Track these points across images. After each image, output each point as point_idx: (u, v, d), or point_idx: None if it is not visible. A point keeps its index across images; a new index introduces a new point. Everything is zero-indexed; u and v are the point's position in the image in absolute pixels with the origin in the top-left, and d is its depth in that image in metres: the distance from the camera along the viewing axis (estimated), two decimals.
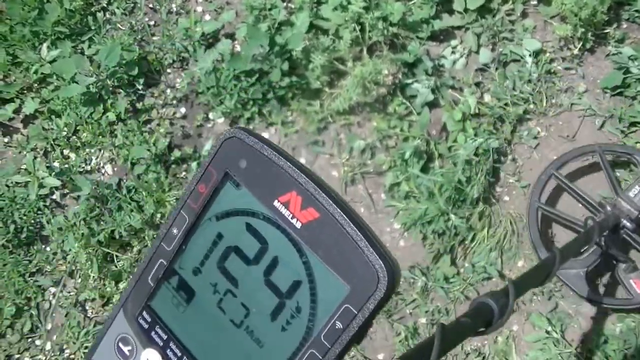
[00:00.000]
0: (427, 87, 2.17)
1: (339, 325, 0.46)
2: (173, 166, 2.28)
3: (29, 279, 2.30)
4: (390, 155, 2.17)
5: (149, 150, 2.24)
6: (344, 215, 0.45)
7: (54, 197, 2.36)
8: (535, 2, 2.31)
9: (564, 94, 2.23)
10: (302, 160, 2.20)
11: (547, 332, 2.03)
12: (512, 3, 2.28)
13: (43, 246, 2.34)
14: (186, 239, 0.52)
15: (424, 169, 2.13)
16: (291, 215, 0.47)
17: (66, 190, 2.35)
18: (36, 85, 2.45)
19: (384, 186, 2.18)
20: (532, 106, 2.20)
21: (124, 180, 2.32)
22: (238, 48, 2.37)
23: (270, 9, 2.30)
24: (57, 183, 2.31)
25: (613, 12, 2.27)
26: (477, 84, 2.23)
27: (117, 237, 2.21)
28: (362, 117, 2.22)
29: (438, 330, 0.76)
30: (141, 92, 2.39)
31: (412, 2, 2.28)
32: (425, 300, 2.10)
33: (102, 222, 2.25)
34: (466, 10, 2.25)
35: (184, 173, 2.28)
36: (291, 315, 0.48)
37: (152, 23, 2.51)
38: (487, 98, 2.21)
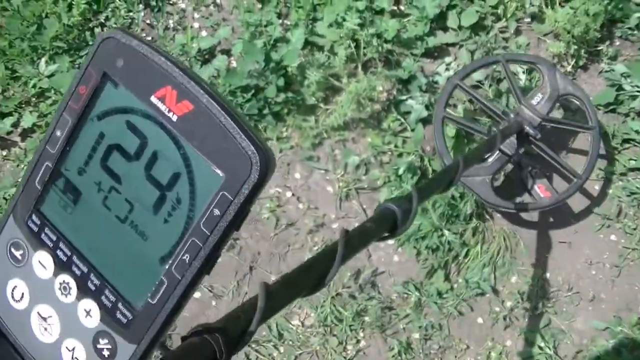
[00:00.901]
0: (421, 103, 2.31)
1: (216, 212, 0.49)
2: None
3: None
4: (384, 171, 2.30)
5: None
6: (217, 106, 0.49)
7: None
8: (528, 20, 2.46)
9: (557, 110, 2.36)
10: (297, 176, 2.33)
11: (540, 347, 2.15)
12: (506, 20, 2.43)
13: None
14: (70, 141, 0.55)
15: (418, 185, 2.26)
16: (167, 109, 0.50)
17: None
18: (34, 99, 2.58)
19: (379, 202, 2.31)
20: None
21: None
22: (234, 64, 2.51)
23: (266, 26, 2.45)
24: None
25: (606, 29, 2.41)
26: (471, 101, 2.36)
27: None
28: (356, 133, 2.36)
29: (341, 236, 0.81)
30: None
31: (407, 19, 2.42)
32: (419, 315, 2.21)
33: None
34: (460, 27, 2.40)
35: None
36: (172, 207, 0.51)
37: (149, 39, 2.65)
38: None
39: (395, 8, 2.44)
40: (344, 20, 2.32)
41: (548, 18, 2.37)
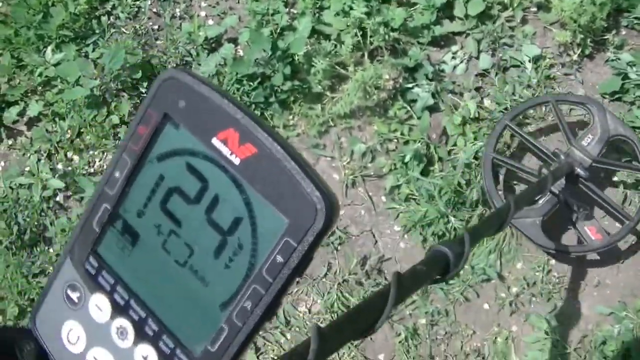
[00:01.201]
0: (428, 91, 2.37)
1: (279, 259, 0.48)
2: None
3: (32, 280, 2.48)
4: (390, 159, 2.36)
5: None
6: (281, 150, 0.48)
7: (57, 199, 2.53)
8: (535, 9, 2.52)
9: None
10: None
11: (546, 332, 2.21)
12: (512, 9, 2.49)
13: (46, 247, 2.52)
14: (129, 182, 0.55)
15: (424, 172, 2.32)
16: (230, 152, 0.50)
17: (70, 193, 2.53)
18: (40, 88, 2.64)
19: (384, 189, 2.37)
20: (531, 111, 2.39)
21: None
22: (241, 52, 2.57)
23: (272, 14, 2.51)
24: (61, 185, 2.49)
25: (612, 18, 2.47)
26: (477, 89, 2.43)
27: None
28: (362, 121, 2.42)
29: (394, 279, 0.81)
30: (144, 94, 2.59)
31: (414, 7, 2.49)
32: (425, 301, 2.27)
33: None
34: (467, 16, 2.46)
35: None
36: (233, 252, 0.51)
37: (155, 27, 2.71)
38: (487, 103, 2.41)
39: None
40: (351, 8, 2.38)
41: (554, 7, 2.43)
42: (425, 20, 2.43)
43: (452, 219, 2.26)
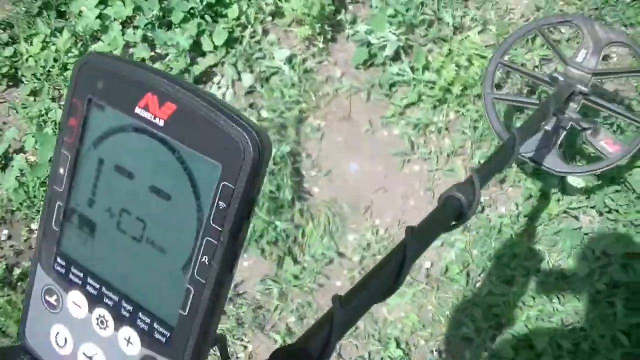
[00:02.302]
0: None
1: (222, 204, 0.51)
2: (19, 283, 2.76)
3: None
4: None
5: None
6: (198, 99, 0.52)
7: None
8: (270, 18, 2.99)
9: (325, 84, 2.90)
10: None
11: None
12: (252, 26, 2.94)
13: None
14: (73, 175, 0.59)
15: None
16: (153, 116, 0.53)
17: None
18: None
19: None
20: (304, 105, 2.85)
21: None
22: (32, 157, 2.87)
23: (47, 113, 2.84)
24: None
25: (337, 1, 2.98)
26: (251, 105, 2.85)
27: None
28: None
29: (408, 232, 0.84)
30: None
31: (167, 58, 2.89)
32: (286, 302, 2.66)
33: None
34: (216, 47, 2.89)
35: None
36: (181, 212, 0.54)
37: None
38: (264, 114, 2.84)
39: (153, 53, 2.91)
40: None
41: (286, 10, 2.90)
42: (181, 65, 2.84)
43: (278, 223, 2.65)
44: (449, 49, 2.85)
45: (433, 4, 2.93)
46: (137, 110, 0.54)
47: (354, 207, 2.75)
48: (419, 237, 0.87)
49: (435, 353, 2.46)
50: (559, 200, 2.54)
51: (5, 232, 2.86)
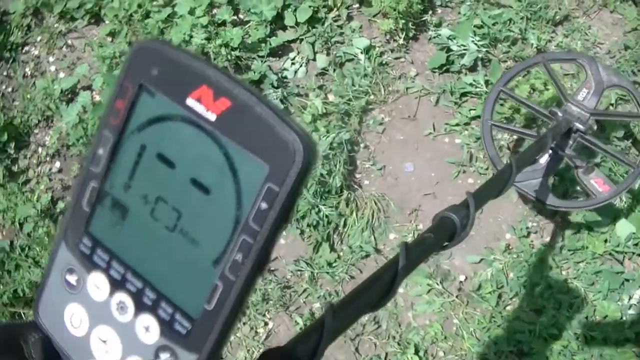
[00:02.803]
0: (276, 98, 2.88)
1: (264, 205, 0.52)
2: (60, 217, 2.90)
3: None
4: None
5: (34, 207, 2.86)
6: (255, 98, 0.52)
7: None
8: (357, 5, 3.08)
9: (398, 80, 2.98)
10: None
11: (429, 285, 2.69)
12: (337, 10, 3.04)
13: None
14: (113, 158, 0.59)
15: None
16: (205, 109, 0.54)
17: None
18: None
19: None
20: (372, 97, 2.94)
21: (16, 241, 2.92)
22: (98, 97, 3.01)
23: (120, 56, 2.97)
24: None
25: (427, 0, 3.04)
26: (320, 87, 2.95)
27: (21, 294, 2.79)
28: None
29: (402, 249, 0.87)
30: (14, 155, 3.00)
31: (248, 25, 3.01)
32: (315, 287, 2.75)
33: (2, 285, 2.83)
34: (297, 23, 3.00)
35: None
36: (219, 208, 0.54)
37: (10, 90, 3.12)
38: (331, 97, 2.94)
39: (235, 17, 3.02)
40: (191, 37, 2.86)
41: (374, 0, 2.98)
42: (260, 34, 2.95)
43: (322, 207, 2.74)
44: (527, 70, 2.90)
45: (522, 23, 2.98)
46: (189, 101, 0.55)
47: (400, 207, 2.82)
48: (412, 254, 0.91)
49: None
50: (606, 240, 2.58)
51: (58, 164, 3.00)
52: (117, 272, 0.59)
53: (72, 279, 0.62)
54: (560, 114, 2.35)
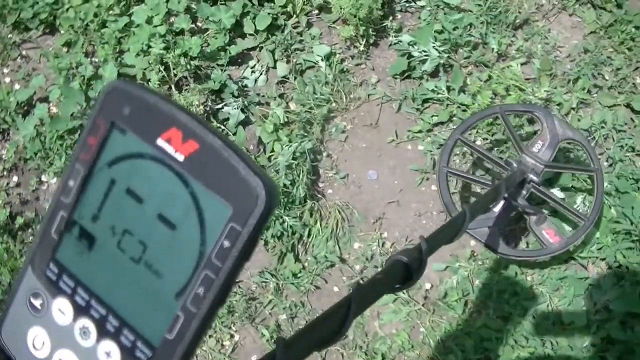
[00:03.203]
0: (237, 107, 2.84)
1: (227, 244, 0.55)
2: (19, 233, 2.84)
3: None
4: None
5: None
6: (221, 143, 0.56)
7: None
8: (317, 12, 3.06)
9: (359, 87, 2.96)
10: None
11: (396, 295, 2.67)
12: (297, 16, 3.01)
13: None
14: (82, 190, 0.62)
15: None
16: (174, 150, 0.57)
17: None
18: None
19: None
20: (334, 104, 2.91)
21: None
22: (54, 109, 2.95)
23: (77, 67, 2.91)
24: None
25: (387, 6, 3.03)
26: (281, 95, 2.92)
27: None
28: None
29: (354, 291, 0.92)
30: None
31: (206, 33, 2.96)
32: (280, 298, 2.72)
33: None
34: (257, 31, 2.96)
35: (31, 237, 2.84)
36: (184, 243, 0.57)
37: None
38: (292, 106, 2.91)
39: (193, 26, 2.98)
40: (149, 47, 2.82)
41: (334, 7, 2.95)
42: (219, 43, 2.91)
43: (286, 218, 2.72)
44: (489, 75, 2.90)
45: (482, 28, 2.98)
46: (159, 141, 0.58)
47: (364, 216, 2.80)
48: (364, 296, 0.94)
49: None
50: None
51: (15, 179, 2.94)
52: (81, 298, 0.62)
53: (37, 302, 0.64)
54: (515, 165, 2.43)
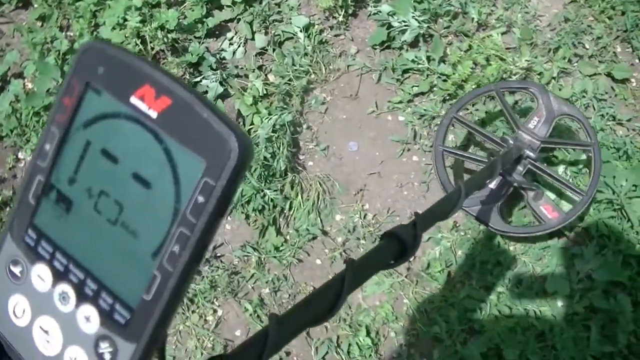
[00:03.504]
0: (215, 80, 2.81)
1: (201, 199, 0.55)
2: None
3: None
4: None
5: None
6: (194, 97, 0.55)
7: None
8: None
9: (339, 58, 2.93)
10: None
11: None
12: None
13: None
14: (59, 152, 0.62)
15: None
16: (147, 107, 0.57)
17: None
18: None
19: None
20: (313, 76, 2.88)
21: None
22: (30, 85, 2.90)
23: (52, 42, 2.86)
24: None
25: None
26: (260, 67, 2.88)
27: None
28: None
29: (348, 266, 0.91)
30: None
31: (183, 5, 2.91)
32: (263, 272, 2.70)
33: None
34: (234, 2, 2.92)
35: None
36: (159, 201, 0.57)
37: None
38: (271, 78, 2.88)
39: None
40: (126, 20, 2.77)
41: None
42: (196, 15, 2.86)
43: (267, 191, 2.69)
44: (469, 45, 2.88)
45: None
46: (133, 99, 0.58)
47: (345, 187, 2.78)
48: (357, 272, 0.94)
49: (404, 347, 2.51)
50: None
51: None
52: (60, 263, 0.62)
53: (16, 270, 0.64)
54: (511, 141, 2.44)
